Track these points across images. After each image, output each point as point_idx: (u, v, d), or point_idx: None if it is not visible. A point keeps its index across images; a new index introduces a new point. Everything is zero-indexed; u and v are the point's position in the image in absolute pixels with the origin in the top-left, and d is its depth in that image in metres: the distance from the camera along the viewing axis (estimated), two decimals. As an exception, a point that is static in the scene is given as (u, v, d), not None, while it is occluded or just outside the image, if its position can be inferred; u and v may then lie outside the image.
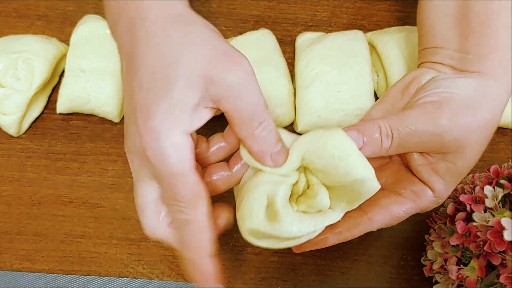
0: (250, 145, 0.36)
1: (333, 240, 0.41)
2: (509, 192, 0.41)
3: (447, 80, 0.40)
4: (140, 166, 0.36)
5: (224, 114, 0.35)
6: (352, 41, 0.57)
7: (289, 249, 0.51)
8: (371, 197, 0.38)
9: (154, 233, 0.37)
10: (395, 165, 0.43)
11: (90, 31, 0.58)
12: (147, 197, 0.37)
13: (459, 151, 0.39)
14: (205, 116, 0.35)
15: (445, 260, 0.43)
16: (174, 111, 0.33)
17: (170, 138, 0.33)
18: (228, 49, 0.34)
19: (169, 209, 0.36)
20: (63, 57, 0.59)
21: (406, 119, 0.38)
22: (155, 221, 0.37)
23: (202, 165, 0.39)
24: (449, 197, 0.46)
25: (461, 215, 0.43)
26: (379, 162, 0.44)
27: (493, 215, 0.40)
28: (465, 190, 0.44)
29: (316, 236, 0.39)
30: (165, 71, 0.33)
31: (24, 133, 0.57)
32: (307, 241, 0.39)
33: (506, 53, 0.40)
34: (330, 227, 0.39)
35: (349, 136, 0.37)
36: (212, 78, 0.33)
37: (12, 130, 0.56)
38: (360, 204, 0.38)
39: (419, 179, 0.41)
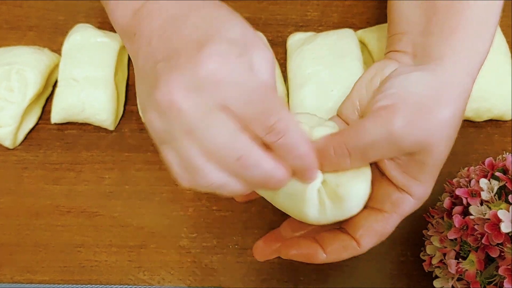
0: None
1: (322, 257, 0.39)
2: (504, 184, 0.41)
3: (400, 77, 0.39)
4: (205, 98, 0.32)
5: None
6: (343, 40, 0.57)
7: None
8: (355, 219, 0.39)
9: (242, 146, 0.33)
10: (372, 173, 0.41)
11: (82, 40, 0.58)
12: (230, 127, 0.33)
13: (425, 150, 0.37)
14: None
15: (444, 255, 0.43)
16: (236, 40, 0.33)
17: (243, 57, 0.33)
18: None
19: (262, 123, 0.33)
20: (55, 67, 0.59)
21: (361, 131, 0.37)
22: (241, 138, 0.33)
23: None
24: (445, 191, 0.47)
25: (458, 209, 0.43)
26: None
27: (490, 208, 0.40)
28: (461, 183, 0.44)
29: (308, 246, 0.39)
30: (223, 15, 0.36)
31: (19, 145, 0.57)
32: (297, 252, 0.39)
33: (470, 32, 0.40)
34: (321, 243, 0.39)
35: None
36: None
37: (7, 142, 0.56)
38: (347, 228, 0.40)
39: (395, 185, 0.40)
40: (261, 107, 0.33)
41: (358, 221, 0.39)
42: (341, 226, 0.41)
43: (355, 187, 0.38)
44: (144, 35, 0.37)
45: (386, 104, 0.38)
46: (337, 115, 0.44)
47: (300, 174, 0.35)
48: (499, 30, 0.58)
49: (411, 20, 0.42)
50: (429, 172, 0.39)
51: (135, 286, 0.51)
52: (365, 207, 0.40)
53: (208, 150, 0.33)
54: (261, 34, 0.60)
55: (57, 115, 0.56)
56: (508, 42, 0.58)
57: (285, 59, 0.60)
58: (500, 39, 0.57)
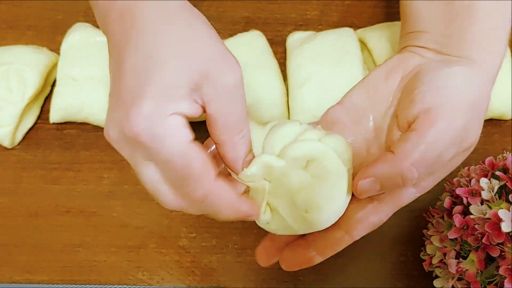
0: (226, 151, 0.35)
1: (318, 260, 0.39)
2: (505, 184, 0.41)
3: (441, 69, 0.38)
4: (133, 151, 0.34)
5: (208, 117, 0.35)
6: (343, 39, 0.57)
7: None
8: (347, 212, 0.38)
9: (177, 206, 0.36)
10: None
11: (81, 40, 0.58)
12: (155, 176, 0.35)
13: (465, 151, 0.38)
14: (196, 110, 0.34)
15: (444, 254, 0.43)
16: (168, 92, 0.32)
17: (165, 120, 0.32)
18: (225, 52, 0.35)
19: (178, 189, 0.35)
20: (54, 67, 0.59)
21: (426, 145, 0.35)
22: (173, 196, 0.35)
23: None
24: (445, 191, 0.47)
25: (458, 208, 0.43)
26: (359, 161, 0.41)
27: (490, 207, 0.40)
28: (461, 183, 0.44)
29: (302, 254, 0.39)
30: (163, 56, 0.33)
31: (18, 144, 0.57)
32: (296, 260, 0.39)
33: (489, 39, 0.40)
34: (314, 246, 0.39)
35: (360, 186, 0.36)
36: (208, 76, 0.33)
37: (6, 142, 0.55)
38: (337, 221, 0.38)
39: None
40: (178, 175, 0.34)
41: (351, 214, 0.38)
42: None
43: (326, 211, 0.37)
44: (110, 46, 0.37)
45: (441, 101, 0.36)
46: (339, 103, 0.42)
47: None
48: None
49: (431, 21, 0.42)
50: (443, 166, 0.38)
51: (134, 286, 0.51)
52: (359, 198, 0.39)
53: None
54: (260, 33, 0.59)
55: (55, 115, 0.56)
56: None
57: (284, 58, 0.60)
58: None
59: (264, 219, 0.37)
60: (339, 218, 0.38)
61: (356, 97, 0.42)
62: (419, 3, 0.43)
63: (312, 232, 0.39)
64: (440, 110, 0.36)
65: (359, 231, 0.38)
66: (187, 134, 0.33)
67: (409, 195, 0.39)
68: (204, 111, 0.35)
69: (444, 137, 0.36)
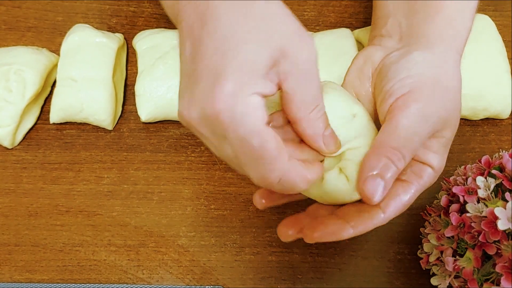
0: (305, 127, 0.36)
1: (349, 232, 0.38)
2: (501, 182, 0.41)
3: (402, 60, 0.40)
4: (213, 130, 0.35)
5: (284, 95, 0.35)
6: (340, 39, 0.57)
7: (286, 247, 0.51)
8: None
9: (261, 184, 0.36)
10: None
11: (80, 41, 0.58)
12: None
13: (446, 126, 0.39)
14: (272, 89, 0.34)
15: (441, 252, 0.43)
16: (249, 70, 0.33)
17: (246, 99, 0.33)
18: (300, 29, 0.35)
19: (253, 171, 0.35)
20: (54, 67, 0.59)
21: (399, 129, 0.37)
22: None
23: None
24: (442, 189, 0.47)
25: (454, 206, 0.43)
26: None
27: (486, 205, 0.40)
28: (458, 181, 0.44)
29: (330, 227, 0.38)
30: (242, 35, 0.33)
31: (18, 145, 0.57)
32: (322, 233, 0.38)
33: (454, 10, 0.41)
34: (344, 219, 0.38)
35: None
36: (285, 52, 0.34)
37: (6, 142, 0.56)
38: None
39: (415, 160, 0.40)
40: (254, 156, 0.34)
41: None
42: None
43: None
44: (183, 29, 0.36)
45: (405, 91, 0.38)
46: None
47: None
48: (495, 29, 0.58)
49: (396, 4, 0.44)
50: (446, 144, 0.40)
51: (134, 285, 0.51)
52: None
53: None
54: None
55: (55, 115, 0.56)
56: (505, 41, 0.58)
57: (282, 59, 0.60)
58: (496, 38, 0.57)
59: (332, 177, 0.39)
60: None
61: None
62: None
63: (345, 206, 0.40)
64: (405, 97, 0.38)
65: (392, 208, 0.38)
66: (264, 115, 0.34)
67: (429, 174, 0.40)
68: (279, 88, 0.35)
69: (415, 118, 0.37)
